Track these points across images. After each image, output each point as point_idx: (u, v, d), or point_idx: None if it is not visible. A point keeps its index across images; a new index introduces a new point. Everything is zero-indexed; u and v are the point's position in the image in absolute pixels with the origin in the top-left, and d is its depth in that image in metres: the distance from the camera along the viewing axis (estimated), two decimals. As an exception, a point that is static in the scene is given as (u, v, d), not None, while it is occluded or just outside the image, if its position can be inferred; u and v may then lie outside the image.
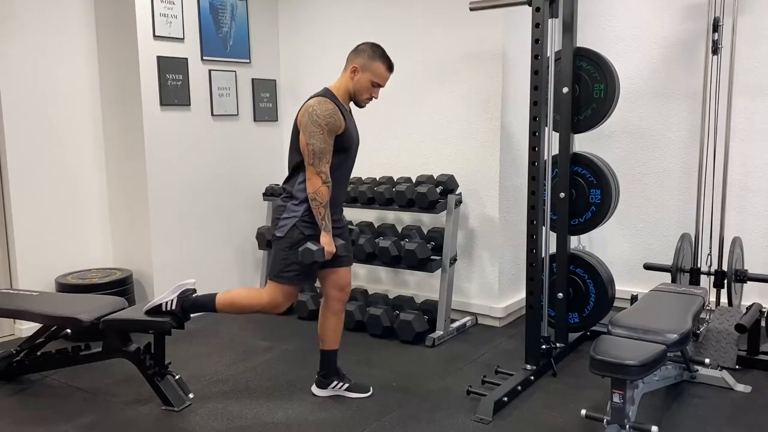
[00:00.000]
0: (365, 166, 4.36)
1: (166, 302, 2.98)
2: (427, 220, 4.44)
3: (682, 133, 4.24)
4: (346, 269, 3.11)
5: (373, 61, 2.90)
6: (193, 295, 3.02)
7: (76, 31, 4.27)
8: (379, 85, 2.96)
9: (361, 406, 3.09)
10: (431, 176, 4.19)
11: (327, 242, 2.83)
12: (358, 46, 2.96)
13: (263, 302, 2.97)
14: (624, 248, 4.51)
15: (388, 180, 4.35)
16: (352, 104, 3.01)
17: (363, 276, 4.80)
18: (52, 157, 4.21)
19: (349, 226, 3.22)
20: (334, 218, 2.95)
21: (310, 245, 2.80)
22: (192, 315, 3.07)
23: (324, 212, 2.81)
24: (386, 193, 4.17)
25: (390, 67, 2.95)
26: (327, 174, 2.80)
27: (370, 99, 2.98)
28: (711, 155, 3.84)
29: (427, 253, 4.00)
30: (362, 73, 2.90)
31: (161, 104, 4.25)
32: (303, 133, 2.80)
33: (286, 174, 3.00)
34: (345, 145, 2.90)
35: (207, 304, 3.02)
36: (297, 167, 2.90)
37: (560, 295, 3.64)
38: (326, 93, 2.89)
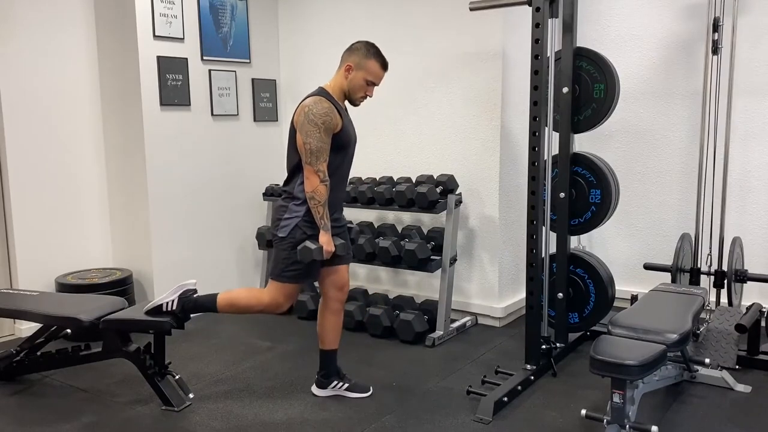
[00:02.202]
0: (365, 166, 4.37)
1: (167, 302, 2.98)
2: (427, 220, 4.44)
3: (682, 133, 4.24)
4: (345, 268, 3.11)
5: (367, 60, 2.90)
6: (194, 296, 3.02)
7: (76, 31, 4.27)
8: (374, 83, 2.95)
9: (361, 406, 3.09)
10: (431, 176, 4.19)
11: (326, 241, 2.83)
12: (352, 44, 2.96)
13: (264, 302, 2.98)
14: (624, 248, 4.51)
15: (388, 180, 4.35)
16: (347, 103, 3.01)
17: (363, 276, 4.80)
18: (52, 157, 4.21)
19: (349, 225, 3.22)
20: (334, 217, 2.96)
21: (309, 244, 2.80)
22: (192, 315, 3.08)
23: (323, 211, 2.81)
24: (386, 193, 4.17)
25: (384, 65, 2.95)
26: (324, 172, 2.80)
27: (365, 97, 2.98)
28: (711, 155, 3.84)
29: (427, 253, 4.00)
30: (356, 72, 2.90)
31: (161, 104, 4.25)
32: (299, 132, 2.80)
33: (286, 175, 3.00)
34: (343, 143, 2.90)
35: (207, 304, 3.02)
36: (296, 168, 2.90)
37: (560, 295, 3.64)
38: (321, 92, 2.90)
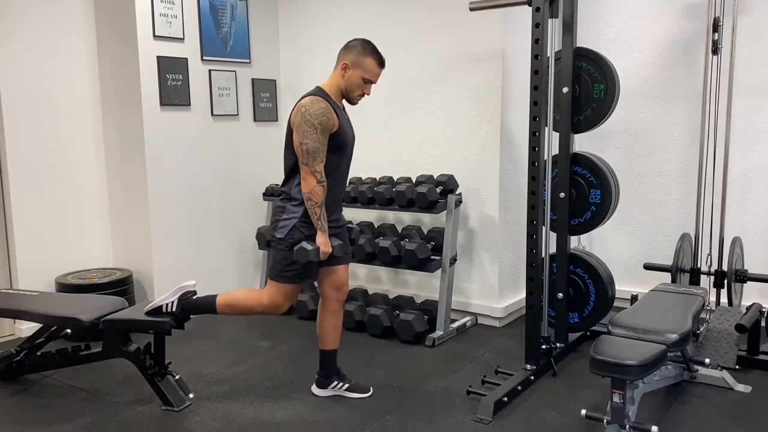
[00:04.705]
0: (365, 166, 4.38)
1: (167, 304, 2.98)
2: (427, 220, 4.44)
3: (682, 133, 4.24)
4: (344, 269, 3.10)
5: (364, 57, 2.87)
6: (194, 297, 3.02)
7: (76, 31, 4.27)
8: (371, 81, 2.92)
9: (361, 406, 3.09)
10: (431, 176, 4.19)
11: (323, 242, 2.82)
12: (348, 42, 2.93)
13: (264, 303, 2.97)
14: (624, 248, 4.51)
15: (388, 180, 4.35)
16: (345, 102, 2.99)
17: (363, 276, 4.80)
18: (52, 157, 4.21)
19: (349, 225, 3.21)
20: (333, 218, 2.95)
21: (305, 245, 2.80)
22: (192, 315, 3.07)
23: (320, 212, 2.80)
24: (386, 193, 4.17)
25: (381, 62, 2.92)
26: (321, 173, 2.79)
27: (362, 96, 2.95)
28: (711, 155, 3.84)
29: (427, 253, 4.00)
30: (353, 70, 2.87)
31: (161, 104, 4.25)
32: (296, 132, 2.79)
33: (283, 176, 2.99)
34: (340, 143, 2.88)
35: (207, 305, 3.02)
36: (293, 168, 2.89)
37: (560, 295, 3.64)
38: (318, 92, 2.88)
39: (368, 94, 2.97)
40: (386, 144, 4.55)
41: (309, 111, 2.76)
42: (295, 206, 2.88)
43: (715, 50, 3.68)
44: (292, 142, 2.84)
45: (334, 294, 3.09)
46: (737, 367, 3.28)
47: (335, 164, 2.89)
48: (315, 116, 2.76)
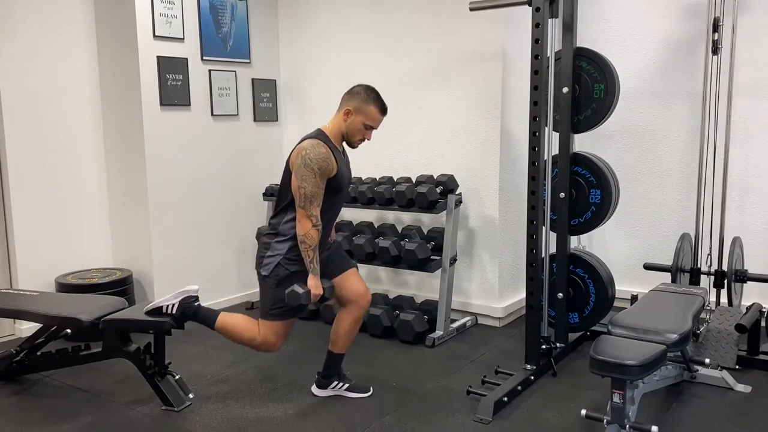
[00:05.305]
0: (365, 166, 4.37)
1: (167, 305, 2.98)
2: (427, 220, 4.44)
3: (682, 133, 4.24)
4: (356, 276, 3.13)
5: (367, 105, 2.90)
6: (196, 303, 3.03)
7: (76, 31, 4.27)
8: (372, 128, 2.96)
9: (361, 406, 3.09)
10: (431, 176, 4.19)
11: (314, 285, 2.83)
12: (352, 88, 2.96)
13: (257, 341, 2.99)
14: (624, 248, 4.51)
15: (388, 180, 4.35)
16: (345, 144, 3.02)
17: (363, 276, 4.77)
18: (52, 157, 4.21)
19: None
20: (321, 248, 2.94)
21: (297, 288, 2.80)
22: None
23: (313, 255, 2.82)
24: (386, 193, 4.17)
25: (383, 110, 2.95)
26: (317, 217, 2.81)
27: (363, 140, 2.99)
28: (711, 155, 3.85)
29: (427, 253, 4.00)
30: (355, 116, 2.90)
31: (161, 104, 4.25)
32: (295, 175, 2.80)
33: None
34: (337, 187, 2.91)
35: (207, 319, 3.03)
36: (287, 206, 2.91)
37: (560, 295, 3.64)
38: (319, 135, 2.89)
39: (369, 140, 3.00)
40: (386, 144, 4.54)
41: (309, 155, 2.78)
42: (280, 243, 2.89)
43: (715, 50, 3.68)
44: (290, 180, 2.85)
45: (361, 300, 3.10)
46: (737, 367, 3.29)
47: (329, 206, 2.91)
48: (315, 161, 2.77)
